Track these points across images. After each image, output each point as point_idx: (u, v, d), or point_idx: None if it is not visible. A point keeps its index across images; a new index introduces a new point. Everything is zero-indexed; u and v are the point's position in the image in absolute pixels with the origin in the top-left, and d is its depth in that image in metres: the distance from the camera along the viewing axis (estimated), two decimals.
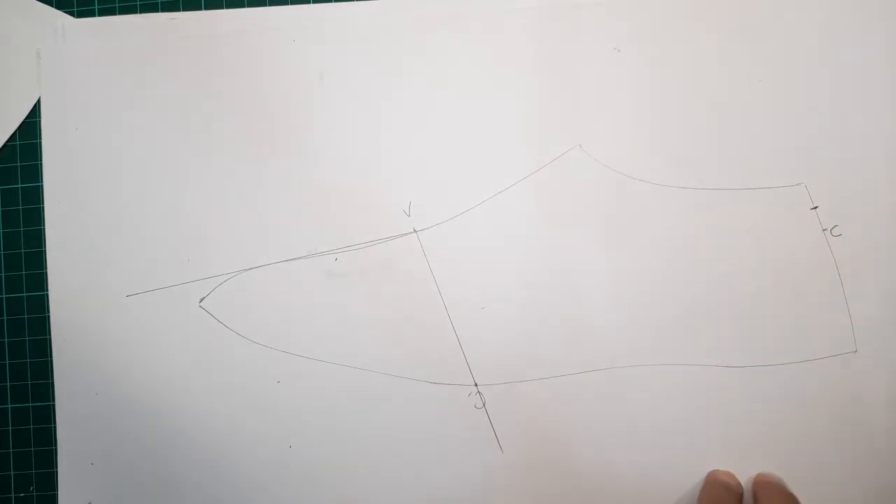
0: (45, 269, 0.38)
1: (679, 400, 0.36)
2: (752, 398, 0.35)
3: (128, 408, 0.38)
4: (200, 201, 0.38)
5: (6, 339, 0.39)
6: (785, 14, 0.36)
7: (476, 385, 0.36)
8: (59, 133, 0.38)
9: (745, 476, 0.35)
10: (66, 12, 0.39)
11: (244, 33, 0.38)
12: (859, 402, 0.35)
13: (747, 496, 0.34)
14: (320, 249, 0.37)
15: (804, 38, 0.36)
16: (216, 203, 0.38)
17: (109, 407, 0.38)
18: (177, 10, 0.39)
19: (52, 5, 0.39)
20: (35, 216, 0.39)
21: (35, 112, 0.39)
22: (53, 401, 0.38)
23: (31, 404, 0.39)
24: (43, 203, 0.38)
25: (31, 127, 0.39)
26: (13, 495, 0.39)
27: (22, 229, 0.39)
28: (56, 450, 0.38)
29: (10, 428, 0.39)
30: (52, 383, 0.38)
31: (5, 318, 0.39)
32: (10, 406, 0.39)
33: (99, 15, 0.39)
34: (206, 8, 0.39)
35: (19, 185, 0.39)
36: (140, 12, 0.39)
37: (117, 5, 0.39)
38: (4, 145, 0.39)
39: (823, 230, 0.35)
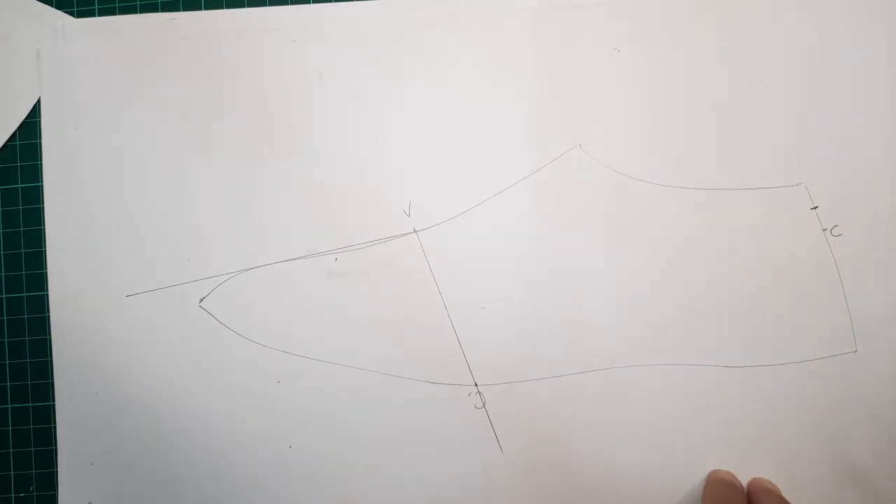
0: (45, 269, 0.38)
1: (679, 400, 0.36)
2: (752, 398, 0.35)
3: (128, 408, 0.38)
4: (200, 201, 0.38)
5: (6, 339, 0.39)
6: (785, 14, 0.36)
7: (476, 385, 0.36)
8: (59, 133, 0.38)
9: (744, 476, 0.35)
10: (66, 12, 0.39)
11: (244, 33, 0.38)
12: (859, 402, 0.35)
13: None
14: (320, 249, 0.37)
15: (804, 38, 0.36)
16: (216, 203, 0.38)
17: (109, 407, 0.38)
18: (177, 10, 0.39)
19: (52, 5, 0.39)
20: (35, 216, 0.39)
21: (35, 112, 0.39)
22: (53, 401, 0.38)
23: (31, 404, 0.39)
24: (43, 203, 0.38)
25: (31, 127, 0.39)
26: (13, 495, 0.39)
27: (22, 229, 0.39)
28: (56, 450, 0.38)
29: (10, 428, 0.39)
30: (52, 383, 0.38)
31: (5, 318, 0.39)
32: (10, 406, 0.39)
33: (99, 15, 0.39)
34: (206, 8, 0.39)
35: (19, 185, 0.39)
36: (140, 12, 0.39)
37: (117, 5, 0.39)
38: (4, 145, 0.39)
39: (823, 230, 0.35)
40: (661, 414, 0.36)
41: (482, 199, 0.37)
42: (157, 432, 0.37)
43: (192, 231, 0.38)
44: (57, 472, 0.38)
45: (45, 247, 0.38)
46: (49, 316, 0.38)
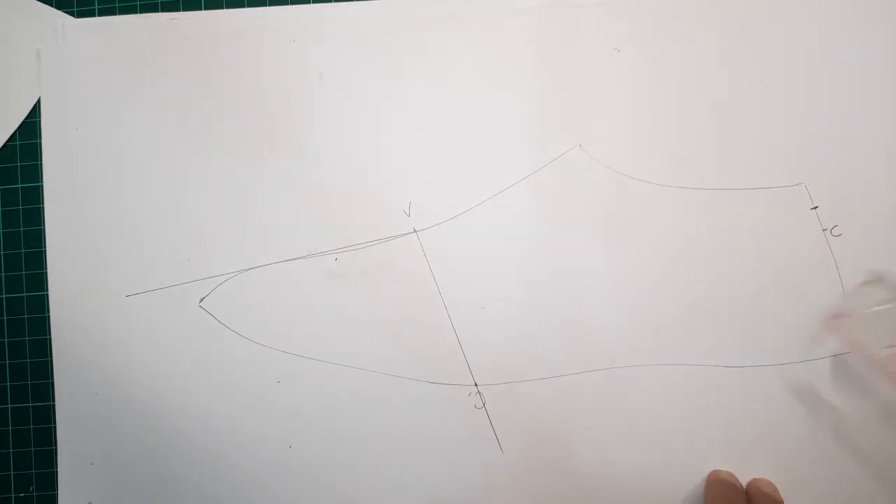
0: (45, 269, 0.38)
1: (679, 400, 0.36)
2: (752, 398, 0.35)
3: (128, 408, 0.38)
4: (200, 201, 0.38)
5: (6, 339, 0.39)
6: (785, 14, 0.36)
7: (476, 385, 0.36)
8: (59, 133, 0.38)
9: (744, 476, 0.35)
10: (66, 12, 0.39)
11: (244, 33, 0.38)
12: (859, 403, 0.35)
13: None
14: (320, 249, 0.37)
15: (804, 38, 0.36)
16: (216, 203, 0.38)
17: (109, 407, 0.38)
18: (177, 10, 0.39)
19: (52, 5, 0.39)
20: (35, 216, 0.39)
21: (35, 112, 0.39)
22: (53, 401, 0.38)
23: (31, 404, 0.39)
24: (43, 203, 0.38)
25: (31, 127, 0.39)
26: (13, 495, 0.39)
27: (22, 229, 0.39)
28: (56, 450, 0.38)
29: (10, 428, 0.39)
30: (52, 383, 0.38)
31: (5, 318, 0.39)
32: (10, 406, 0.39)
33: (99, 15, 0.39)
34: (206, 8, 0.39)
35: (19, 185, 0.39)
36: (140, 12, 0.39)
37: (117, 5, 0.39)
38: (4, 145, 0.39)
39: (823, 230, 0.35)
40: (661, 414, 0.36)
41: (482, 199, 0.37)
42: (157, 432, 0.37)
43: (192, 231, 0.38)
44: (57, 472, 0.38)
45: (45, 247, 0.38)
46: (49, 316, 0.38)
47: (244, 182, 0.37)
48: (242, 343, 0.37)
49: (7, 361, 0.39)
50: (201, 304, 0.37)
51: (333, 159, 0.37)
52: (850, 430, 0.31)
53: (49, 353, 0.38)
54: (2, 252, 0.39)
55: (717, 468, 0.35)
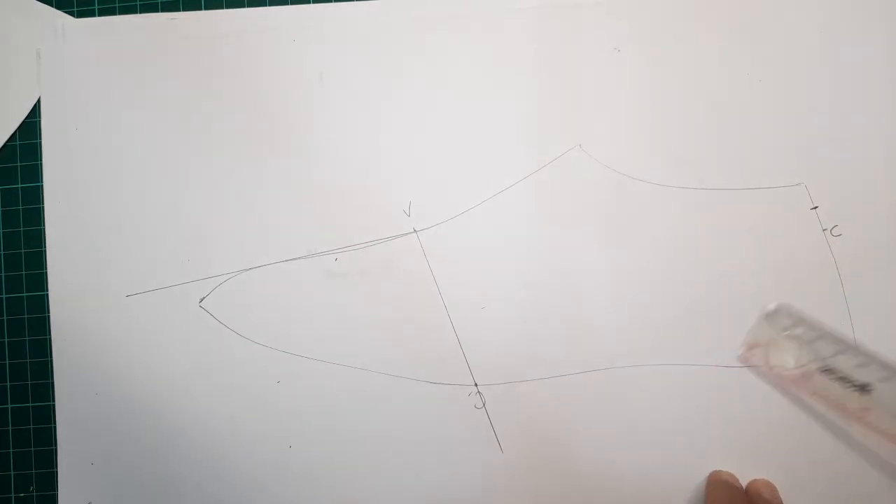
0: (45, 269, 0.38)
1: (679, 400, 0.36)
2: (752, 398, 0.35)
3: (128, 408, 0.38)
4: (200, 201, 0.38)
5: (6, 339, 0.39)
6: (785, 14, 0.36)
7: (476, 385, 0.36)
8: (59, 133, 0.38)
9: (744, 476, 0.35)
10: (66, 12, 0.39)
11: (244, 33, 0.38)
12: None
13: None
14: (320, 249, 0.37)
15: (804, 38, 0.36)
16: (216, 203, 0.38)
17: (109, 407, 0.38)
18: (177, 10, 0.39)
19: (52, 5, 0.39)
20: (35, 216, 0.39)
21: (35, 112, 0.39)
22: (53, 401, 0.38)
23: (31, 404, 0.39)
24: (43, 203, 0.38)
25: (31, 127, 0.39)
26: (13, 495, 0.39)
27: (22, 229, 0.39)
28: (56, 450, 0.38)
29: (10, 428, 0.39)
30: (52, 383, 0.38)
31: (5, 318, 0.39)
32: (10, 406, 0.39)
33: (99, 15, 0.39)
34: (206, 8, 0.39)
35: (19, 185, 0.39)
36: (140, 12, 0.39)
37: (117, 5, 0.39)
38: (4, 145, 0.39)
39: (823, 230, 0.35)
40: (661, 414, 0.36)
41: (482, 199, 0.37)
42: (157, 432, 0.37)
43: (192, 231, 0.38)
44: (57, 472, 0.38)
45: (45, 247, 0.38)
46: (49, 316, 0.38)
47: (244, 182, 0.37)
48: (242, 343, 0.37)
49: (7, 361, 0.39)
50: (201, 304, 0.37)
51: (333, 159, 0.37)
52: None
53: (49, 353, 0.38)
54: (2, 252, 0.39)
55: (718, 468, 0.35)
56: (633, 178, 0.36)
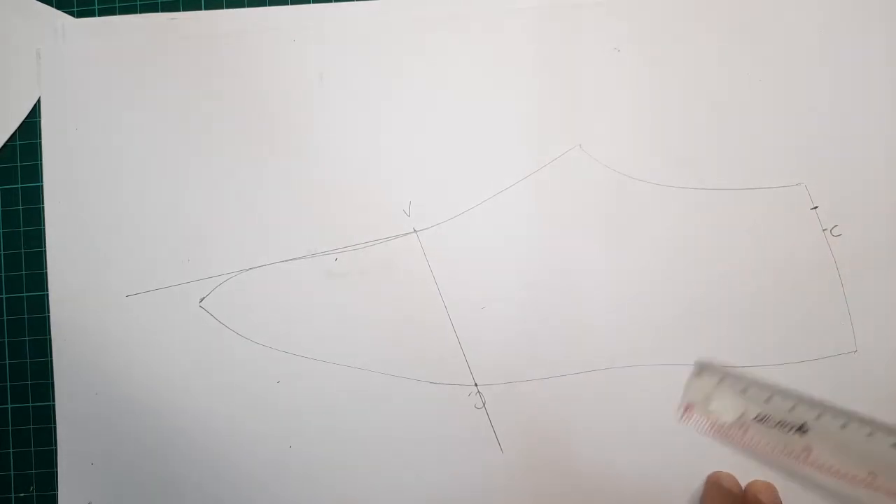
0: (45, 269, 0.38)
1: (679, 400, 0.36)
2: None
3: (128, 408, 0.38)
4: (200, 201, 0.38)
5: (6, 339, 0.39)
6: (785, 14, 0.36)
7: (476, 385, 0.36)
8: (59, 133, 0.38)
9: (744, 477, 0.35)
10: (66, 12, 0.39)
11: (244, 33, 0.38)
12: (859, 402, 0.35)
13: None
14: (320, 249, 0.37)
15: (804, 38, 0.36)
16: (216, 203, 0.38)
17: (109, 407, 0.38)
18: (177, 10, 0.39)
19: (52, 5, 0.39)
20: (35, 216, 0.39)
21: (35, 112, 0.39)
22: (53, 401, 0.38)
23: (31, 404, 0.39)
24: (43, 203, 0.38)
25: (31, 127, 0.39)
26: (13, 495, 0.39)
27: (22, 229, 0.39)
28: (56, 450, 0.38)
29: (10, 428, 0.39)
30: (52, 383, 0.38)
31: (5, 318, 0.39)
32: (10, 406, 0.39)
33: (99, 15, 0.39)
34: (206, 8, 0.39)
35: (19, 185, 0.39)
36: (140, 12, 0.39)
37: (117, 5, 0.39)
38: (4, 145, 0.39)
39: (823, 230, 0.35)
40: (661, 414, 0.36)
41: (482, 199, 0.37)
42: (157, 432, 0.37)
43: (192, 231, 0.38)
44: (57, 472, 0.38)
45: (45, 247, 0.38)
46: (49, 316, 0.38)
47: (244, 182, 0.37)
48: (242, 343, 0.37)
49: (7, 361, 0.39)
50: (201, 304, 0.37)
51: (333, 159, 0.37)
52: None
53: (49, 353, 0.38)
54: (2, 252, 0.39)
55: (717, 469, 0.35)
56: (633, 178, 0.36)
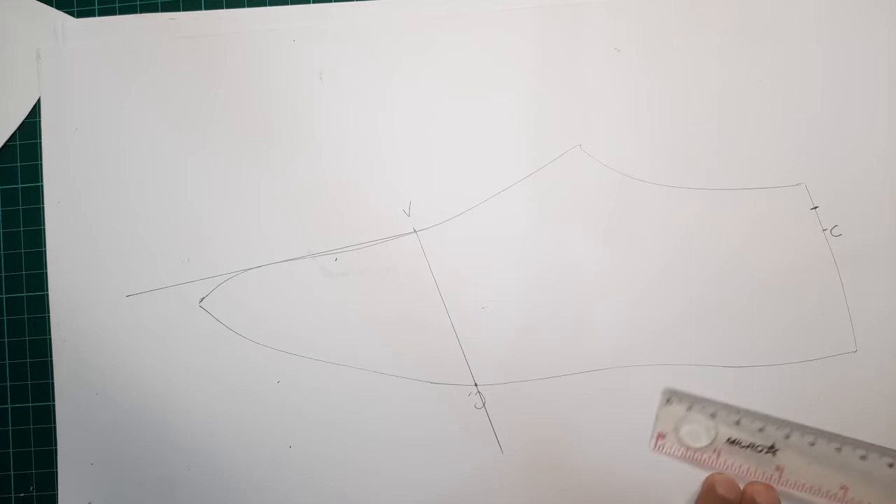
0: (45, 269, 0.38)
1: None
2: (752, 398, 0.35)
3: (128, 408, 0.38)
4: (200, 201, 0.38)
5: (6, 339, 0.39)
6: (785, 14, 0.36)
7: (476, 385, 0.36)
8: (58, 133, 0.38)
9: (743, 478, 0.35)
10: (66, 12, 0.39)
11: (244, 33, 0.38)
12: (859, 402, 0.35)
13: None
14: (320, 249, 0.37)
15: (804, 38, 0.36)
16: (216, 203, 0.38)
17: (109, 407, 0.38)
18: (177, 10, 0.39)
19: (52, 5, 0.39)
20: (35, 216, 0.39)
21: (35, 112, 0.39)
22: (53, 401, 0.38)
23: (31, 404, 0.39)
24: (43, 203, 0.38)
25: (31, 127, 0.39)
26: (13, 495, 0.39)
27: (22, 229, 0.39)
28: (56, 450, 0.38)
29: (10, 428, 0.39)
30: (52, 383, 0.38)
31: (5, 318, 0.39)
32: (10, 406, 0.39)
33: (99, 15, 0.39)
34: (207, 8, 0.39)
35: (19, 185, 0.39)
36: (140, 12, 0.39)
37: (117, 5, 0.39)
38: (4, 145, 0.39)
39: (823, 230, 0.35)
40: None
41: (482, 199, 0.37)
42: (157, 432, 0.37)
43: (192, 231, 0.38)
44: (57, 472, 0.38)
45: (45, 247, 0.38)
46: (49, 316, 0.38)
47: (244, 182, 0.37)
48: (242, 343, 0.37)
49: (7, 361, 0.39)
50: (201, 304, 0.37)
51: (333, 159, 0.37)
52: None
53: (49, 353, 0.38)
54: (2, 252, 0.39)
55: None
56: (633, 178, 0.36)
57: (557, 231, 0.36)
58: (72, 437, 0.38)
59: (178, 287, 0.37)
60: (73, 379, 0.38)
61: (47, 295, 0.38)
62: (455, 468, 0.36)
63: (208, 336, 0.37)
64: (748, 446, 0.34)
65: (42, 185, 0.38)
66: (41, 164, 0.38)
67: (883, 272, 0.35)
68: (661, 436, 0.35)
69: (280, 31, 0.38)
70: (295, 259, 0.37)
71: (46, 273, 0.38)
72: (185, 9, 0.39)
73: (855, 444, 0.33)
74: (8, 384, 0.39)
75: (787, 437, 0.34)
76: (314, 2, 0.38)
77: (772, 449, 0.34)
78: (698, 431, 0.35)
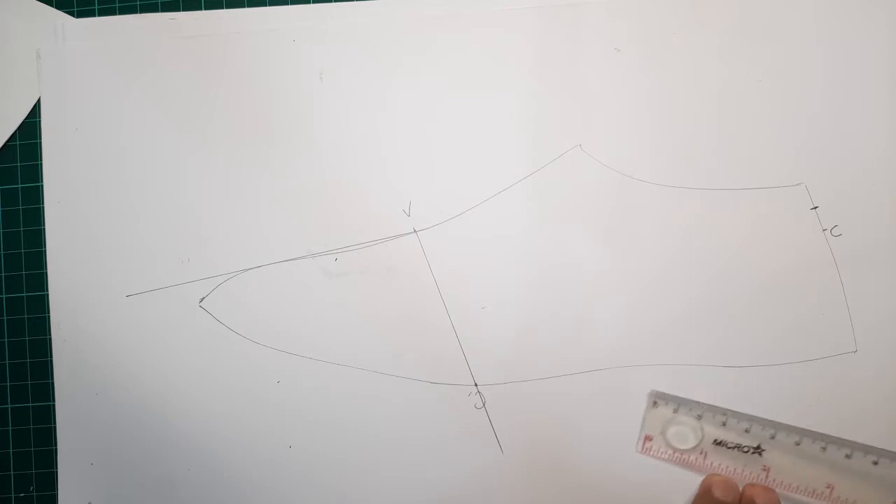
0: (45, 269, 0.38)
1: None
2: (752, 398, 0.35)
3: (128, 408, 0.38)
4: (200, 201, 0.38)
5: (6, 339, 0.39)
6: (784, 14, 0.36)
7: (476, 385, 0.36)
8: (59, 133, 0.38)
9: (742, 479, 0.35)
10: (66, 12, 0.39)
11: (244, 33, 0.38)
12: (859, 402, 0.35)
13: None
14: (320, 249, 0.37)
15: (804, 38, 0.36)
16: (216, 203, 0.38)
17: (109, 407, 0.38)
18: (177, 10, 0.39)
19: (52, 5, 0.39)
20: (35, 216, 0.39)
21: (35, 112, 0.39)
22: (53, 401, 0.38)
23: (31, 404, 0.39)
24: (43, 203, 0.38)
25: (31, 127, 0.39)
26: (13, 495, 0.39)
27: (22, 229, 0.39)
28: (56, 450, 0.38)
29: (10, 428, 0.39)
30: (52, 383, 0.38)
31: (5, 318, 0.39)
32: (10, 406, 0.39)
33: (99, 15, 0.39)
34: (207, 8, 0.39)
35: (19, 185, 0.39)
36: (140, 12, 0.39)
37: (117, 5, 0.39)
38: (4, 145, 0.39)
39: (823, 230, 0.35)
40: None
41: (482, 199, 0.37)
42: (157, 432, 0.37)
43: (192, 231, 0.38)
44: (57, 472, 0.38)
45: (45, 247, 0.38)
46: (49, 316, 0.38)
47: (244, 182, 0.38)
48: (242, 343, 0.37)
49: (7, 361, 0.39)
50: (201, 304, 0.37)
51: (333, 159, 0.37)
52: None
53: (49, 353, 0.38)
54: (2, 252, 0.39)
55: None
56: (633, 178, 0.36)
57: (557, 231, 0.36)
58: (72, 437, 0.38)
59: (178, 287, 0.37)
60: (73, 379, 0.38)
61: (47, 295, 0.38)
62: (455, 468, 0.36)
63: (208, 336, 0.37)
64: (734, 447, 0.34)
65: (42, 185, 0.38)
66: (41, 164, 0.38)
67: (883, 272, 0.35)
68: (648, 438, 0.35)
69: (280, 31, 0.38)
70: (295, 259, 0.37)
71: (46, 273, 0.38)
72: (185, 9, 0.39)
73: (840, 443, 0.34)
74: (8, 384, 0.39)
75: (773, 437, 0.34)
76: (314, 2, 0.38)
77: (758, 449, 0.34)
78: (685, 433, 0.35)
